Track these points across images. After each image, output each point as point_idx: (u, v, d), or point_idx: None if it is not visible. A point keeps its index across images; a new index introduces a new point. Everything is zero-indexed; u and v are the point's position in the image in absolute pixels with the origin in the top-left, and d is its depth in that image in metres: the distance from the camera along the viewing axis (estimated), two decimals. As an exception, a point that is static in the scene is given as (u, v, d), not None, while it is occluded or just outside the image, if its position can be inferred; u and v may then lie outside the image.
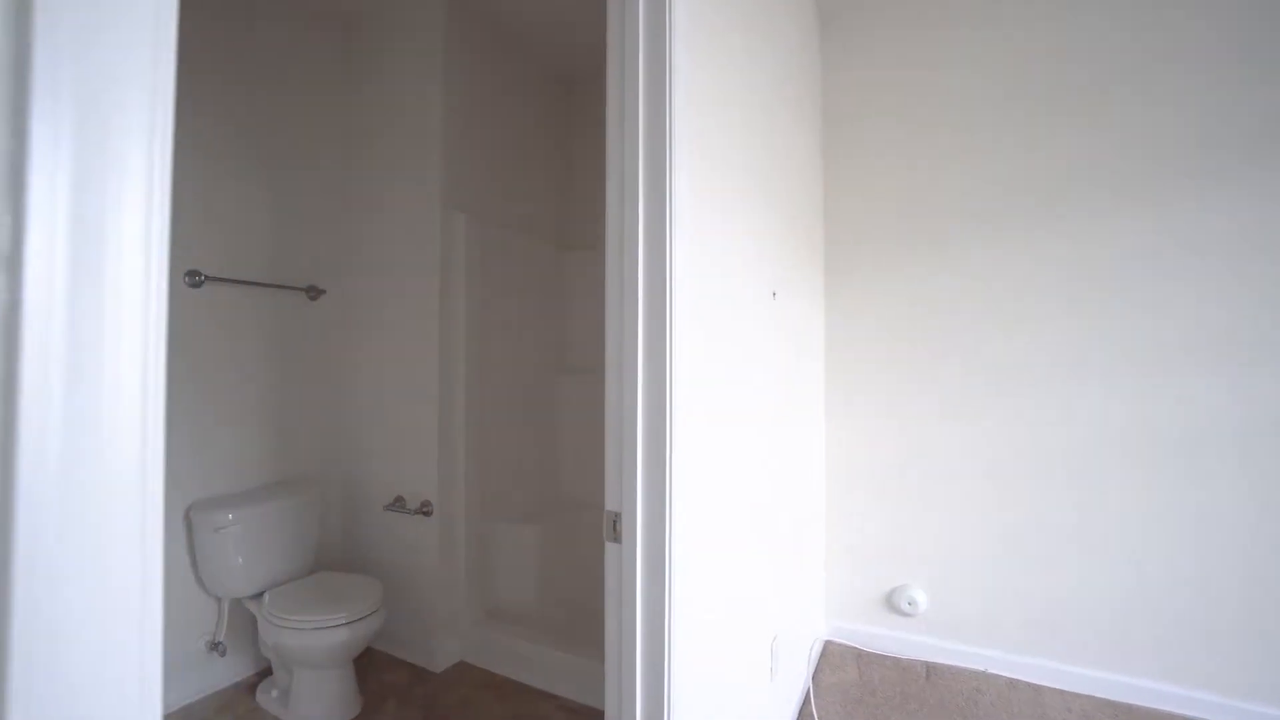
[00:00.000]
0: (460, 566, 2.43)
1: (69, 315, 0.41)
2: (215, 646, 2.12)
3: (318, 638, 1.83)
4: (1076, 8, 2.11)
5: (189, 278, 2.08)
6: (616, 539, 1.15)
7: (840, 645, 2.45)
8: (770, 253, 1.72)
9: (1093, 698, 2.05)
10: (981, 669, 2.22)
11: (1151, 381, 2.01)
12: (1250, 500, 1.89)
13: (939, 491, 2.32)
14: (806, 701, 2.02)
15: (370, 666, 2.32)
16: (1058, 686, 2.11)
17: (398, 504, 2.45)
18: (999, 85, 2.23)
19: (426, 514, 2.37)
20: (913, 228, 2.38)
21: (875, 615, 2.44)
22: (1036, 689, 2.11)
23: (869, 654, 2.38)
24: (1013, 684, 2.14)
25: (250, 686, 2.17)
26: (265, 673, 2.21)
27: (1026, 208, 2.18)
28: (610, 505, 1.17)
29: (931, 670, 2.25)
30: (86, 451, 0.42)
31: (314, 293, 2.51)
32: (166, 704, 2.00)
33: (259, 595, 2.07)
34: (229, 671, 2.19)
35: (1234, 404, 1.91)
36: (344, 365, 2.64)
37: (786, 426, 1.91)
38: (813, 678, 2.19)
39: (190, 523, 2.06)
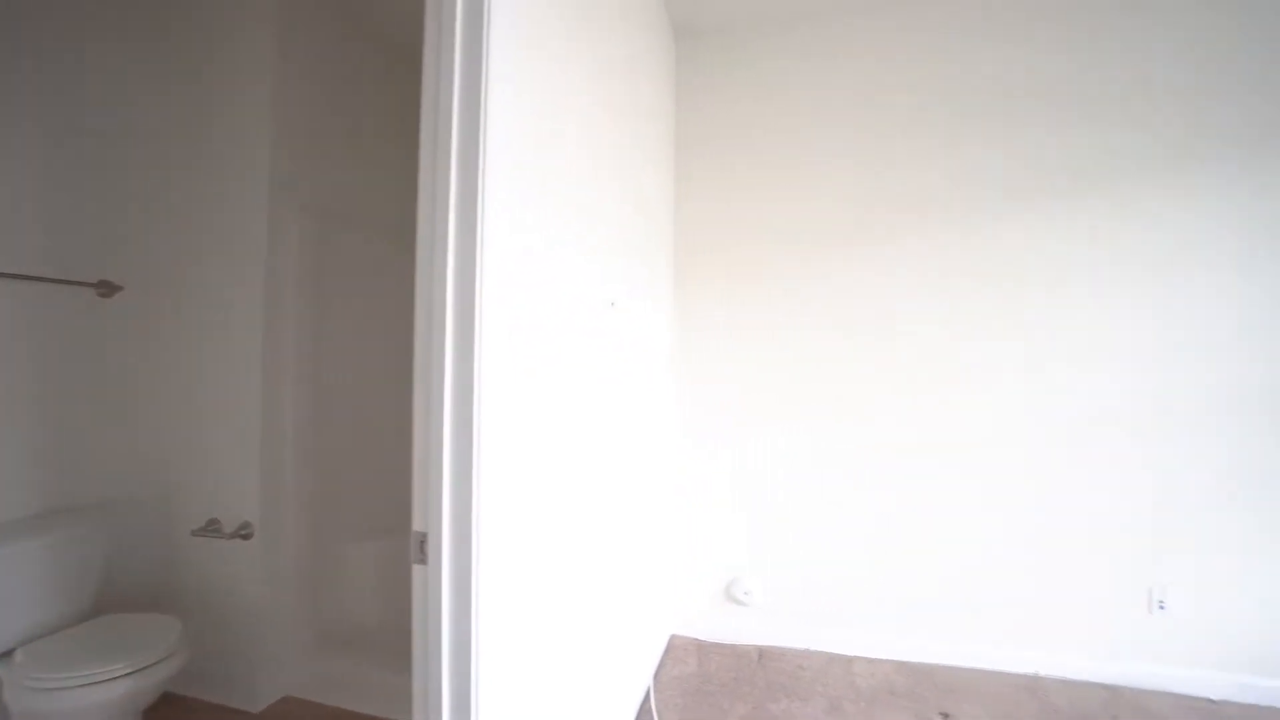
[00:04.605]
0: (288, 593, 2.22)
1: None
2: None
3: (88, 695, 1.56)
4: (934, 51, 2.38)
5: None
6: (423, 560, 1.11)
7: (684, 639, 2.56)
8: (607, 264, 1.75)
9: (891, 661, 2.33)
10: (804, 648, 2.43)
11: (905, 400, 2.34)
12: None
13: (769, 491, 2.51)
14: (646, 699, 2.08)
15: (171, 716, 2.05)
16: (866, 655, 2.37)
17: (211, 528, 2.19)
18: (844, 116, 2.48)
19: (245, 537, 2.14)
20: (759, 245, 2.56)
21: (716, 608, 2.58)
22: (848, 660, 2.35)
23: (709, 644, 2.51)
24: (831, 658, 2.37)
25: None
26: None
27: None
28: (417, 525, 1.13)
29: (764, 654, 2.42)
30: None
31: (107, 289, 2.16)
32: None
33: (8, 654, 1.73)
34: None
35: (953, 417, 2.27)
36: (146, 373, 2.29)
37: (626, 434, 1.96)
38: (655, 674, 2.27)
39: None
